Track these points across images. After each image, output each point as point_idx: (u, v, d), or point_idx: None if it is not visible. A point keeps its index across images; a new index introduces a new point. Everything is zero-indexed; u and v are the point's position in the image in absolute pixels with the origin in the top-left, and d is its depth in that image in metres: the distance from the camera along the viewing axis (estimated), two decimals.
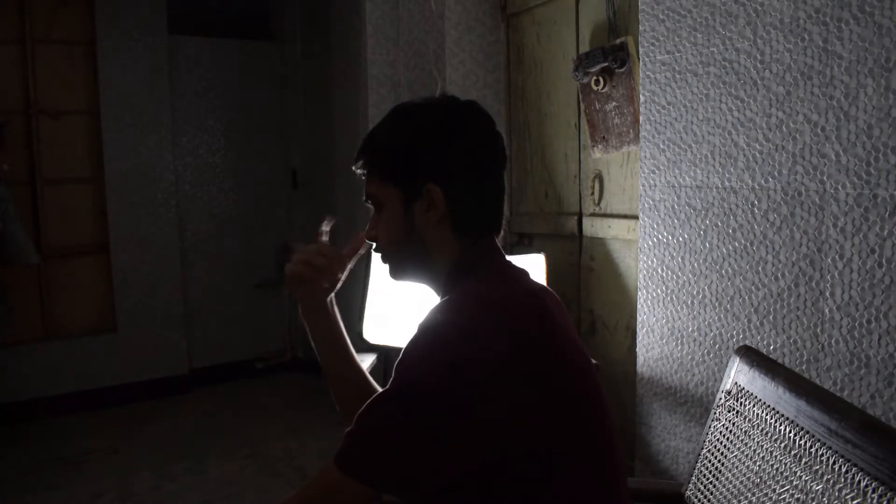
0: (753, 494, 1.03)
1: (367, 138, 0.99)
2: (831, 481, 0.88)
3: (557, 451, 0.84)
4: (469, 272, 0.95)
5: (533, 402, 0.82)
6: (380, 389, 1.02)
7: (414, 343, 0.84)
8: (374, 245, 1.01)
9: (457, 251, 0.96)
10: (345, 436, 0.84)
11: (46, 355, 3.46)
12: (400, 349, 0.85)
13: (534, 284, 0.97)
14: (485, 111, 0.99)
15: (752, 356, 1.14)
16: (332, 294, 1.10)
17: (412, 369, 0.82)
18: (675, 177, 1.71)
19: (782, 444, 0.99)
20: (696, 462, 1.21)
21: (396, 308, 2.10)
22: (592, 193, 2.30)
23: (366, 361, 2.07)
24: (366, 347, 2.20)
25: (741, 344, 1.50)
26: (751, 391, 1.10)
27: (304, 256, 1.04)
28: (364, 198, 1.00)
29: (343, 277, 1.09)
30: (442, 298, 0.95)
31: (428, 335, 0.84)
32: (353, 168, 0.99)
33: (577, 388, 0.88)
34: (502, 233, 1.02)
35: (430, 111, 0.96)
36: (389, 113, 0.99)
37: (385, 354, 2.19)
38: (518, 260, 2.21)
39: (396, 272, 1.01)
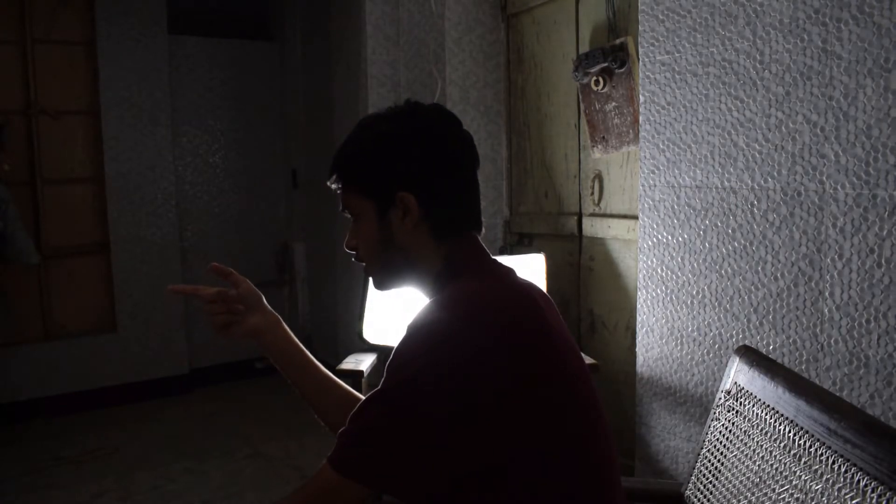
0: (753, 494, 1.03)
1: (336, 154, 0.99)
2: (831, 481, 0.88)
3: (552, 451, 0.84)
4: (457, 273, 0.94)
5: (526, 401, 0.82)
6: (361, 396, 1.02)
7: (405, 342, 0.84)
8: (355, 255, 1.00)
9: (441, 254, 0.95)
10: (338, 436, 0.84)
11: (46, 355, 3.45)
12: None
13: (522, 282, 0.97)
14: (449, 112, 0.99)
15: (752, 356, 1.15)
16: (266, 317, 1.17)
17: (403, 369, 0.82)
18: (675, 177, 1.71)
19: (782, 444, 0.99)
20: (696, 462, 1.21)
21: (396, 308, 2.10)
22: (592, 193, 2.30)
23: (366, 361, 2.07)
24: (366, 347, 2.20)
25: (741, 344, 1.50)
26: (750, 391, 1.10)
27: (208, 311, 1.11)
28: (340, 208, 1.00)
29: (246, 293, 1.14)
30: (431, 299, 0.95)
31: (419, 334, 0.84)
32: (328, 184, 1.00)
33: (570, 387, 0.87)
34: (487, 232, 1.02)
35: (392, 121, 0.96)
36: (355, 127, 0.99)
37: (385, 354, 2.18)
38: (518, 260, 2.24)
39: (381, 283, 1.01)
